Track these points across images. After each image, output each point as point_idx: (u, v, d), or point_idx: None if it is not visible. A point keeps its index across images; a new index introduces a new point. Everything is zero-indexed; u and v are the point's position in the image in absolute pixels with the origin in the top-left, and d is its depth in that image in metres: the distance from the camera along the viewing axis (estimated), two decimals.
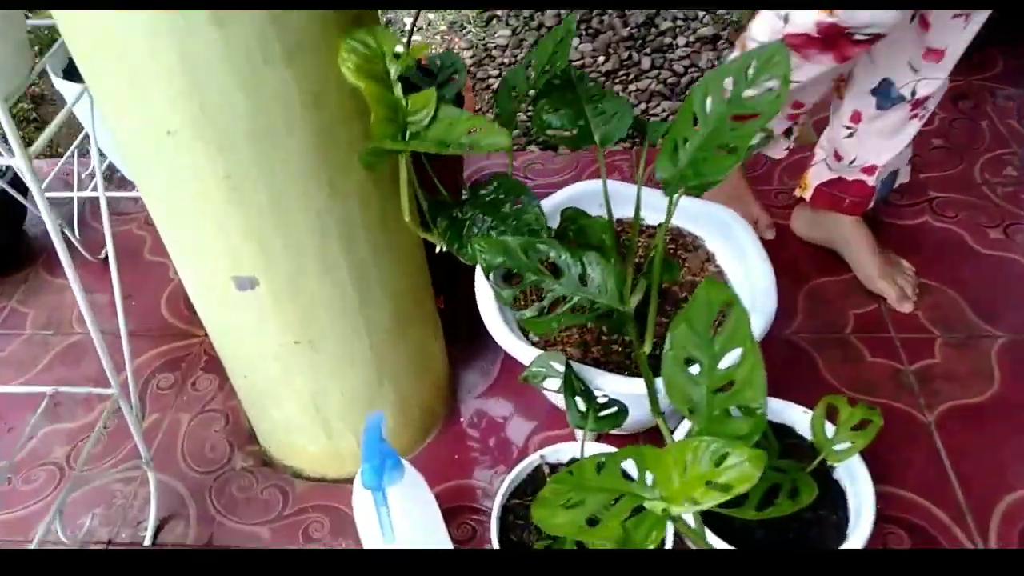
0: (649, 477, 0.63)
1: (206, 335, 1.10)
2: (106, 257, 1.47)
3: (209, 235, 0.81)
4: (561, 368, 0.82)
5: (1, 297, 1.41)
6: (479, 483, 1.08)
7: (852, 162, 1.19)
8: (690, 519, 0.75)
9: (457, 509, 1.05)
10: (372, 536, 0.88)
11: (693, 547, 0.82)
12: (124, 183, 1.59)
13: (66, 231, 1.41)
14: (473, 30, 2.21)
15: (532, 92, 0.89)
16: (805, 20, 0.96)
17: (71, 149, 1.43)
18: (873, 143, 1.17)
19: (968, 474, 1.02)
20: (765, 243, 1.01)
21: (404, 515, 0.83)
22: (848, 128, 1.17)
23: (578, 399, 0.81)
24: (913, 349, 1.17)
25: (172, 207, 0.81)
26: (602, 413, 0.81)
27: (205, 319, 0.96)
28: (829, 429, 0.88)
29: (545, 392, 1.10)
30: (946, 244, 1.31)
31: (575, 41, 2.09)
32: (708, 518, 0.82)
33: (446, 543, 0.95)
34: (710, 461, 0.56)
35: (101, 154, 1.10)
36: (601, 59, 2.02)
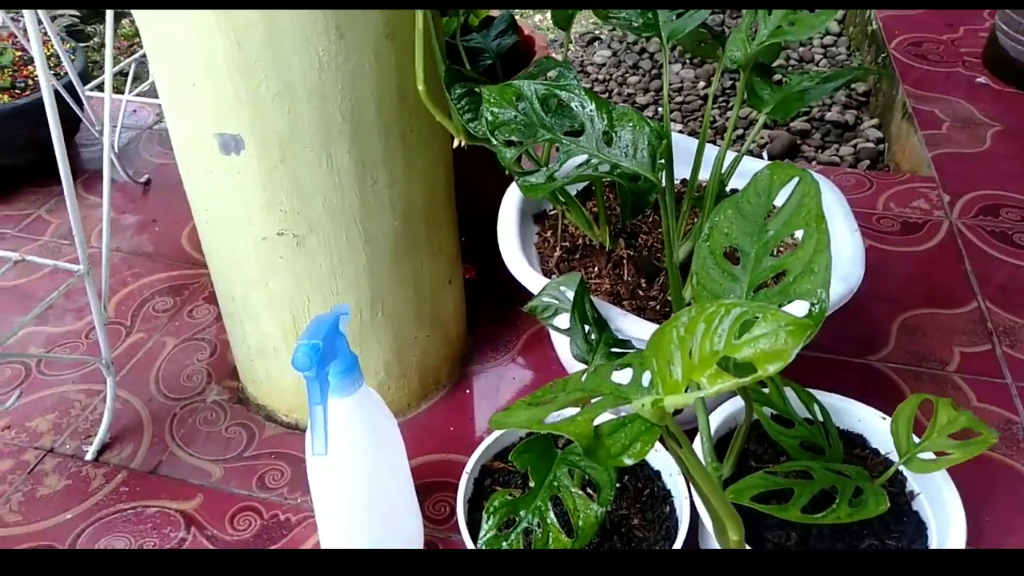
0: (647, 378, 0.45)
1: None
2: (147, 182, 1.41)
3: (196, 72, 0.70)
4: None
5: (33, 204, 1.35)
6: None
7: None
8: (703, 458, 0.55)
9: (437, 485, 0.88)
10: (315, 472, 0.72)
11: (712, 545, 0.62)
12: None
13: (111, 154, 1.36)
14: (573, 48, 2.13)
15: None
16: None
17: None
18: None
19: None
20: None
21: (347, 438, 0.66)
22: None
23: (587, 327, 0.64)
24: None
25: (163, 32, 0.71)
26: (616, 349, 0.63)
27: (192, 198, 0.84)
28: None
29: (563, 360, 0.93)
30: None
31: (676, 67, 1.98)
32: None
33: (409, 502, 0.77)
34: (730, 331, 0.38)
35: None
36: (701, 84, 1.89)
